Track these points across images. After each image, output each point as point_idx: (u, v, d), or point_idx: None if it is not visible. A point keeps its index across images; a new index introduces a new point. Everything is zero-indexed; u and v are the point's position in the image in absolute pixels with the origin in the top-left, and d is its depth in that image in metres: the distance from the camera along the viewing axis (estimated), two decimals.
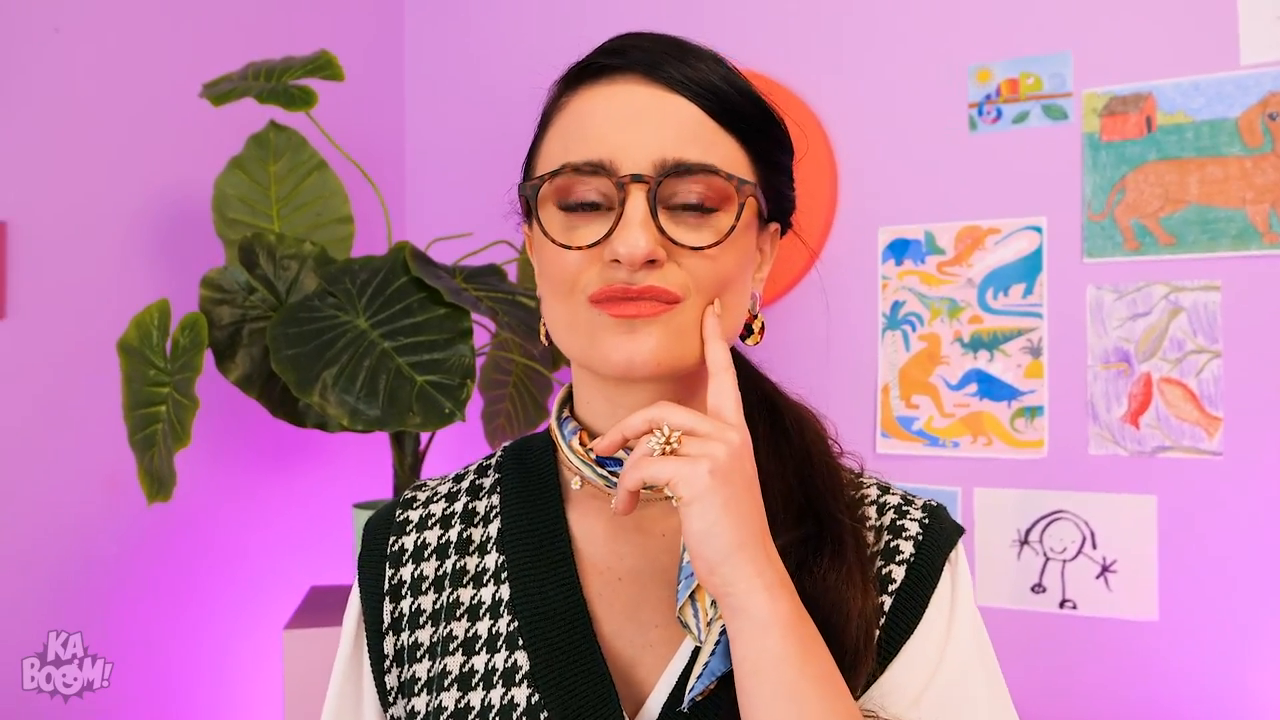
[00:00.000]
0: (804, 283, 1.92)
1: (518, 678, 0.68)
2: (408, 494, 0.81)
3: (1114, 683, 1.65)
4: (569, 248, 0.65)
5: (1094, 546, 1.69)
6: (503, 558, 0.73)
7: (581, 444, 0.73)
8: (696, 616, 0.65)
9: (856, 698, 0.65)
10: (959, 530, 0.74)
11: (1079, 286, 1.72)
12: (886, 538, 0.72)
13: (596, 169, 0.64)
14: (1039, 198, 1.75)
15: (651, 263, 0.64)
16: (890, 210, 1.87)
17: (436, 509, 0.78)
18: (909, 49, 1.86)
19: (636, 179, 0.63)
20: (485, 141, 2.12)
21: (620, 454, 0.71)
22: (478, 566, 0.74)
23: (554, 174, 0.66)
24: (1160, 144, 1.67)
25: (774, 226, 0.74)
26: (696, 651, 0.66)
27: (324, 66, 1.58)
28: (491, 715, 0.67)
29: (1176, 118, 1.66)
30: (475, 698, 0.68)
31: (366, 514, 1.57)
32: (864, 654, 0.65)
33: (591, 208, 0.66)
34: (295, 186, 1.72)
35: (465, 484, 0.80)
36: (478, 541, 0.75)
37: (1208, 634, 1.60)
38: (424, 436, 1.71)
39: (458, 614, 0.72)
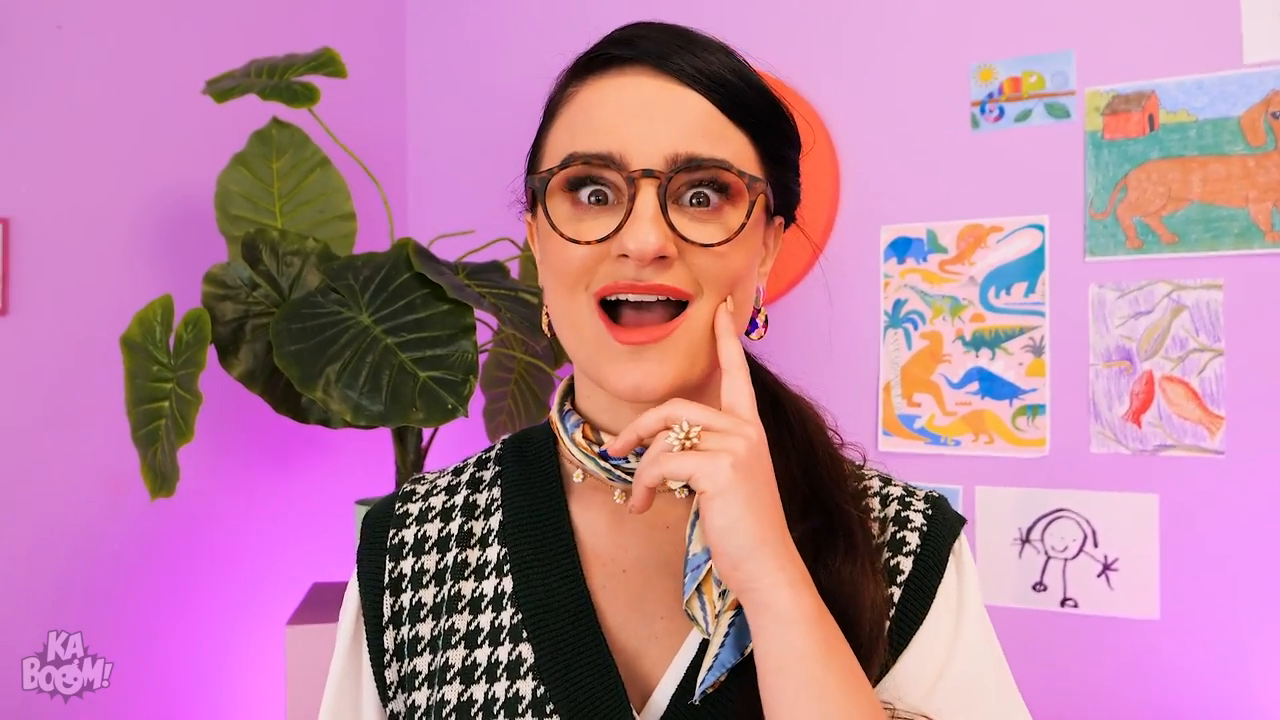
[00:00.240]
0: (806, 280, 1.92)
1: (522, 670, 0.68)
2: (406, 487, 0.80)
3: (1115, 681, 1.65)
4: (577, 242, 0.64)
5: (1095, 545, 1.69)
6: (505, 550, 0.73)
7: (585, 437, 0.72)
8: (704, 609, 0.64)
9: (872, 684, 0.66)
10: (961, 521, 0.75)
11: (1081, 285, 1.72)
12: (892, 529, 0.72)
13: (606, 162, 0.63)
14: (1041, 196, 1.75)
15: (661, 260, 0.63)
16: (892, 208, 1.87)
17: (436, 502, 0.77)
18: (911, 47, 1.86)
19: (648, 174, 0.62)
20: (488, 138, 2.12)
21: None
22: (479, 559, 0.73)
23: (563, 165, 0.64)
24: (1163, 142, 1.67)
25: (778, 221, 0.74)
26: (704, 644, 0.66)
27: (326, 63, 1.58)
28: (496, 708, 0.67)
29: (1179, 116, 1.66)
30: (479, 691, 0.68)
31: None
32: (877, 645, 0.66)
33: (599, 201, 0.65)
34: (298, 183, 1.73)
35: (465, 477, 0.79)
36: (479, 534, 0.74)
37: (1209, 633, 1.60)
38: (426, 433, 1.72)
39: (459, 607, 0.71)
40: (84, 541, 1.62)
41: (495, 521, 0.75)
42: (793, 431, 0.73)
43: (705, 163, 0.63)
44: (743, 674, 0.64)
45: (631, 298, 0.64)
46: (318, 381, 1.40)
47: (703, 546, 0.65)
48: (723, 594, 0.64)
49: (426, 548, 0.75)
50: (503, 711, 0.67)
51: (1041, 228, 1.75)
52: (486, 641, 0.70)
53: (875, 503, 0.74)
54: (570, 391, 0.76)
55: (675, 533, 0.72)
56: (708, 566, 0.64)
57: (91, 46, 1.65)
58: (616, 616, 0.70)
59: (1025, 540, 1.74)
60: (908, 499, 0.75)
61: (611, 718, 0.65)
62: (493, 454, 0.81)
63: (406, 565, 0.75)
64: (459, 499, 0.77)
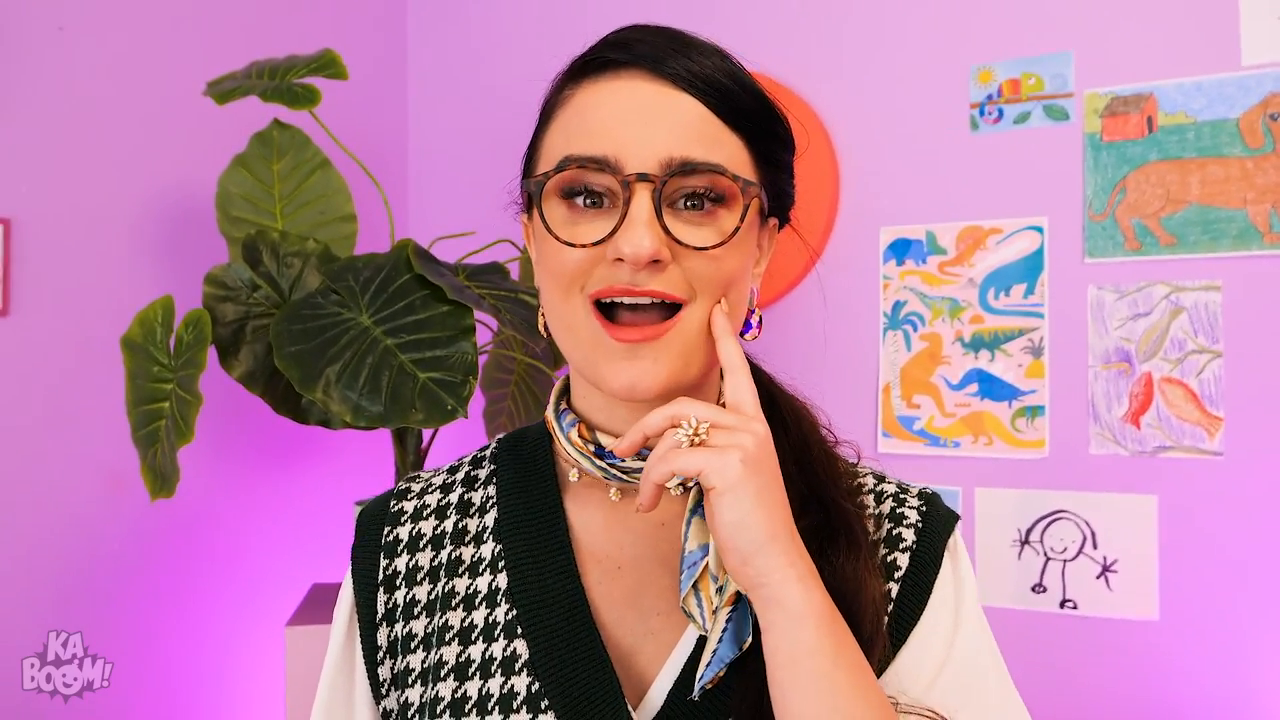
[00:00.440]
0: (805, 283, 1.92)
1: (517, 666, 0.68)
2: (401, 485, 0.80)
3: (1114, 683, 1.66)
4: (573, 245, 0.64)
5: (1095, 546, 1.69)
6: (499, 547, 0.73)
7: (581, 436, 0.72)
8: (700, 606, 0.64)
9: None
10: (955, 517, 0.75)
11: (1080, 286, 1.72)
12: (888, 525, 0.73)
13: (601, 165, 0.63)
14: (1040, 198, 1.76)
15: (655, 263, 0.63)
16: (892, 210, 1.87)
17: (431, 500, 0.77)
18: (911, 49, 1.86)
19: (642, 178, 0.62)
20: (488, 140, 2.12)
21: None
22: (474, 556, 0.73)
23: (558, 168, 0.65)
24: (1161, 144, 1.67)
25: (772, 222, 0.74)
26: (700, 640, 0.66)
27: (327, 65, 1.59)
28: (491, 704, 0.67)
29: (1177, 118, 1.66)
30: (473, 687, 0.68)
31: None
32: (877, 640, 0.66)
33: (595, 204, 0.65)
34: (299, 185, 1.73)
35: (460, 475, 0.79)
36: (473, 532, 0.75)
37: (1208, 634, 1.60)
38: (426, 434, 1.72)
39: (453, 604, 0.71)
40: (84, 542, 1.63)
41: (490, 519, 0.75)
42: (788, 430, 0.74)
43: (699, 166, 0.63)
44: (741, 669, 0.65)
45: (627, 300, 0.65)
46: (318, 382, 1.41)
47: (699, 543, 0.65)
48: (719, 590, 0.65)
49: (421, 545, 0.75)
50: (497, 707, 0.67)
51: (1040, 229, 1.76)
52: (481, 638, 0.70)
53: (870, 500, 0.74)
54: (566, 391, 0.77)
55: (671, 530, 0.73)
56: (704, 563, 0.65)
57: (93, 48, 1.66)
58: (612, 613, 0.70)
59: (1024, 542, 1.74)
60: (902, 495, 0.75)
61: (607, 713, 0.65)
62: (488, 453, 0.81)
63: (401, 562, 0.75)
64: (454, 497, 0.77)
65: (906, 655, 0.69)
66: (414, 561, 0.74)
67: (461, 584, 0.72)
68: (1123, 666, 1.66)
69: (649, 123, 0.64)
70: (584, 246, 0.64)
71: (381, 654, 0.74)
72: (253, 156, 1.71)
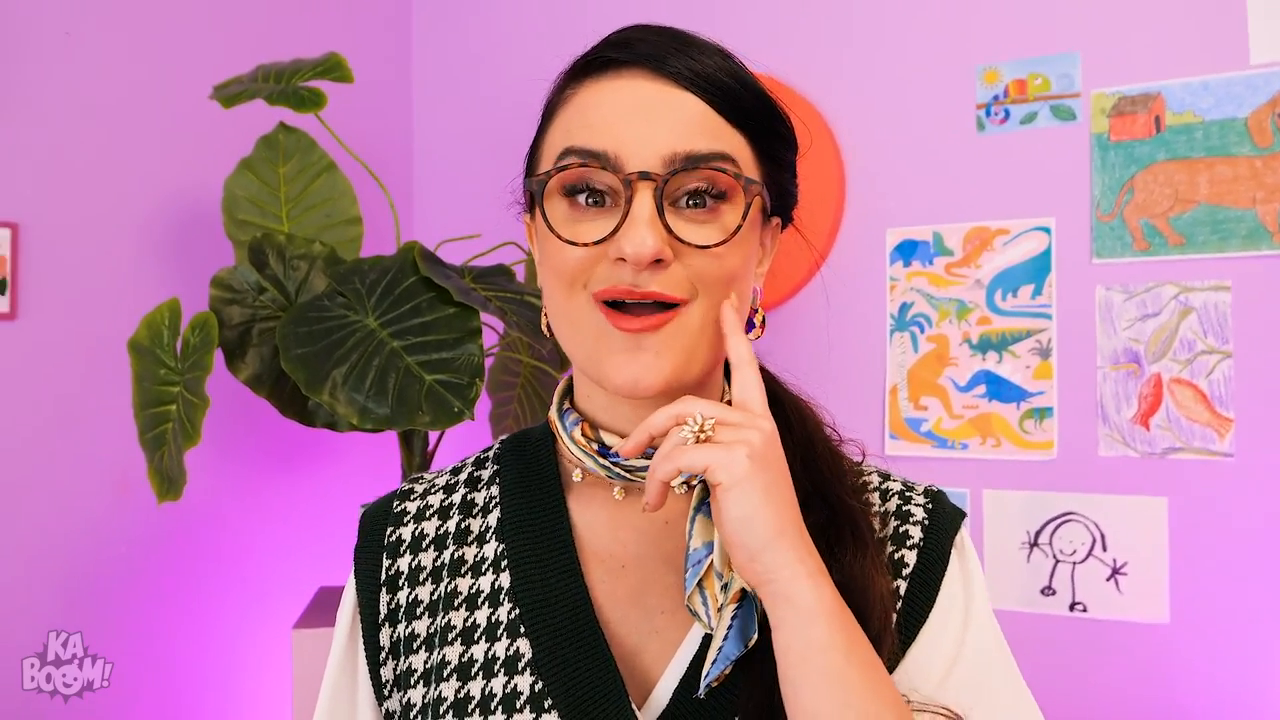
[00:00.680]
0: (811, 284, 1.92)
1: (520, 665, 0.68)
2: (404, 486, 0.80)
3: (1125, 686, 1.64)
4: (574, 244, 0.64)
5: (1104, 549, 1.68)
6: (502, 546, 0.73)
7: (584, 435, 0.72)
8: (705, 604, 0.64)
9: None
10: (961, 514, 0.75)
11: (1088, 287, 1.71)
12: (894, 523, 0.73)
13: (602, 161, 0.63)
14: (1047, 198, 1.75)
15: (657, 263, 0.63)
16: (898, 211, 1.87)
17: (434, 500, 0.77)
18: (916, 50, 1.86)
19: (644, 176, 0.62)
20: (493, 143, 2.12)
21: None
22: (476, 556, 0.73)
23: (559, 163, 0.65)
24: (1169, 144, 1.66)
25: (775, 222, 0.74)
26: (706, 638, 0.66)
27: (333, 68, 1.59)
28: (494, 704, 0.66)
29: (1185, 117, 1.65)
30: (475, 687, 0.67)
31: None
32: (886, 637, 0.66)
33: (596, 202, 0.65)
34: (304, 188, 1.73)
35: (463, 476, 0.79)
36: (476, 532, 0.74)
37: (1219, 637, 1.59)
38: (432, 436, 1.72)
39: (456, 604, 0.71)
40: (91, 544, 1.63)
41: (493, 519, 0.75)
42: (791, 428, 0.74)
43: (703, 159, 0.63)
44: (747, 666, 0.64)
45: (629, 300, 0.65)
46: (324, 385, 1.41)
47: (704, 541, 0.65)
48: (724, 587, 0.64)
49: (424, 545, 0.75)
50: (500, 707, 0.66)
51: (1048, 230, 1.75)
52: (483, 637, 0.69)
53: (875, 497, 0.74)
54: (569, 391, 0.77)
55: (674, 528, 0.72)
56: (709, 561, 0.64)
57: (99, 52, 1.66)
58: (616, 612, 0.70)
59: (1033, 544, 1.73)
60: (907, 493, 0.75)
61: (611, 712, 0.65)
62: (491, 453, 0.81)
63: (403, 563, 0.75)
64: (457, 497, 0.77)
65: (917, 652, 0.68)
66: (416, 562, 0.74)
67: (464, 584, 0.72)
68: (1133, 670, 1.64)
69: (650, 120, 0.64)
70: (585, 245, 0.64)
71: (384, 655, 0.73)
72: (259, 160, 1.71)
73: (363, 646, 0.75)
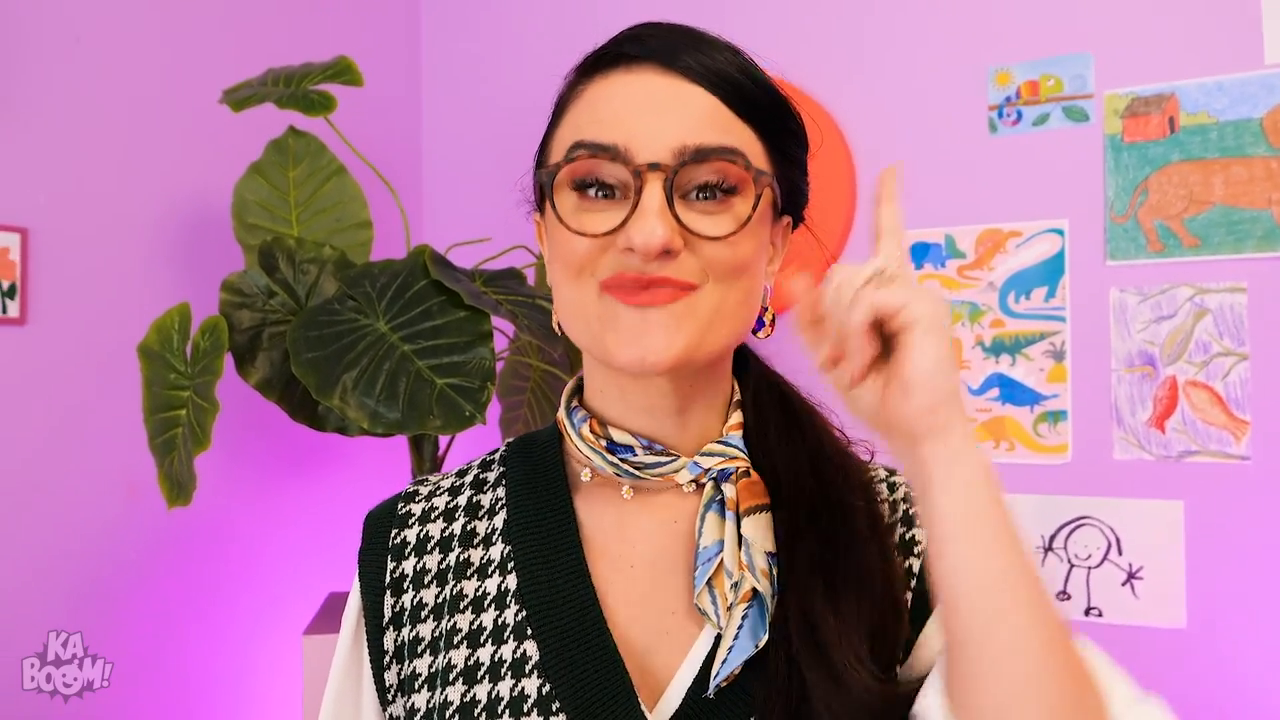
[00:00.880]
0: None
1: (527, 668, 0.67)
2: (410, 488, 0.79)
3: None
4: (583, 234, 0.64)
5: (1119, 553, 1.66)
6: (509, 548, 0.72)
7: (592, 432, 0.72)
8: (715, 603, 0.64)
9: (900, 663, 0.67)
10: None
11: (1102, 289, 1.70)
12: (904, 507, 0.73)
13: (612, 153, 0.63)
14: (1060, 200, 1.74)
15: (666, 254, 0.63)
16: (910, 213, 1.84)
17: (439, 502, 0.77)
18: (928, 51, 1.85)
19: (654, 167, 0.62)
20: (503, 146, 2.11)
21: (632, 440, 0.70)
22: (483, 558, 0.72)
23: (569, 158, 0.65)
24: (1183, 145, 1.65)
25: (786, 220, 0.74)
26: (718, 638, 0.65)
27: (343, 72, 1.59)
28: (500, 708, 0.65)
29: (1199, 118, 1.64)
30: (482, 690, 0.67)
31: None
32: (902, 619, 0.66)
33: (606, 193, 0.65)
34: (314, 191, 1.73)
35: (469, 478, 0.79)
36: (482, 534, 0.74)
37: (1238, 642, 1.57)
38: (443, 441, 1.71)
39: (461, 606, 0.70)
40: (101, 549, 1.62)
41: (499, 521, 0.74)
42: (802, 427, 0.74)
43: (713, 152, 0.63)
44: (759, 666, 0.64)
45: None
46: (334, 389, 1.40)
47: (714, 539, 0.65)
48: (734, 586, 0.64)
49: (429, 548, 0.74)
50: (507, 711, 0.65)
51: (1061, 232, 1.74)
52: (490, 640, 0.68)
53: (883, 488, 0.75)
54: (578, 390, 0.77)
55: (683, 527, 0.72)
56: (718, 559, 0.64)
57: (109, 57, 1.66)
58: (625, 612, 0.69)
59: (1048, 548, 1.71)
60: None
61: (619, 714, 0.64)
62: (497, 456, 0.80)
63: (408, 565, 0.74)
64: (463, 499, 0.76)
65: (936, 624, 0.68)
66: (421, 564, 0.73)
67: (470, 586, 0.71)
68: (1149, 676, 1.61)
69: (660, 112, 0.64)
70: (595, 236, 0.64)
71: (388, 659, 0.73)
72: (268, 164, 1.71)
73: (367, 650, 0.74)
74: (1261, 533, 1.57)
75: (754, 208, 0.65)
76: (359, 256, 1.72)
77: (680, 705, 0.65)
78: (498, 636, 0.68)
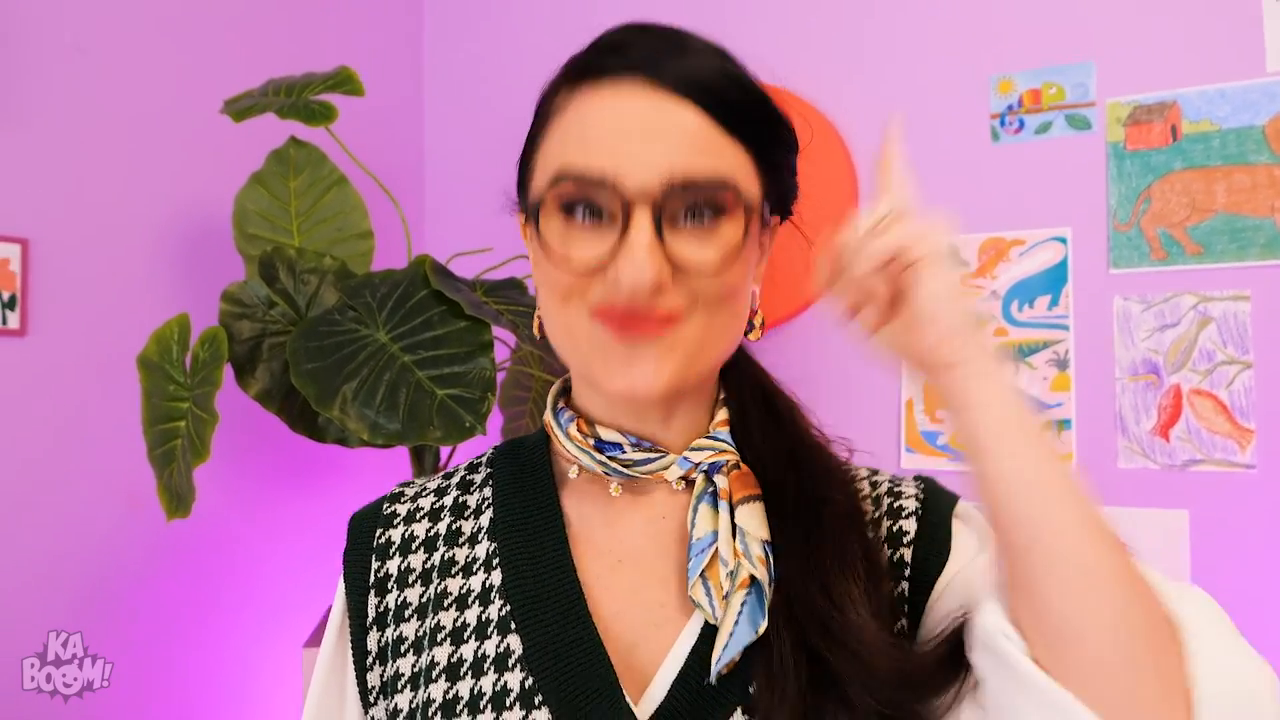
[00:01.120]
0: (825, 298, 1.90)
1: (510, 662, 0.66)
2: (396, 489, 0.79)
3: None
4: (569, 264, 0.63)
5: None
6: (494, 545, 0.72)
7: (580, 431, 0.71)
8: (709, 594, 0.64)
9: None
10: (955, 496, 0.75)
11: (1105, 297, 1.70)
12: (888, 500, 0.73)
13: (600, 182, 0.62)
14: (1063, 208, 1.73)
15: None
16: None
17: (425, 503, 0.76)
18: (930, 60, 1.85)
19: (642, 197, 0.61)
20: (504, 156, 2.11)
21: (621, 439, 0.70)
22: (467, 557, 0.72)
23: (554, 183, 0.64)
24: (1186, 152, 1.65)
25: (774, 219, 0.73)
26: (706, 629, 0.66)
27: (344, 82, 1.58)
28: (483, 703, 0.65)
29: (1202, 126, 1.64)
30: (464, 687, 0.66)
31: None
32: (889, 607, 0.66)
33: (594, 215, 0.63)
34: (315, 202, 1.72)
35: (455, 479, 0.79)
36: (468, 533, 0.73)
37: None
38: (444, 452, 1.70)
39: (445, 604, 0.70)
40: (102, 558, 1.62)
41: (485, 520, 0.74)
42: (782, 423, 0.74)
43: (703, 185, 0.62)
44: (757, 653, 0.64)
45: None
46: (334, 400, 1.39)
47: (707, 530, 0.65)
48: (731, 574, 0.64)
49: (414, 548, 0.74)
50: (490, 705, 0.65)
51: (1064, 240, 1.73)
52: (473, 636, 0.68)
53: (865, 485, 0.74)
54: (564, 391, 0.77)
55: (672, 523, 0.72)
56: (712, 550, 0.65)
57: (110, 67, 1.66)
58: (613, 606, 0.69)
59: None
60: (896, 481, 0.76)
61: (603, 705, 0.64)
62: (484, 458, 0.80)
63: (393, 565, 0.73)
64: (448, 500, 0.76)
65: (944, 600, 0.67)
66: (406, 564, 0.73)
67: (454, 584, 0.71)
68: None
69: (648, 138, 0.62)
70: (582, 270, 0.63)
71: (371, 659, 0.72)
72: (269, 174, 1.71)
73: (350, 652, 0.73)
74: (1267, 541, 1.56)
75: (744, 234, 0.64)
76: (360, 266, 1.71)
77: (666, 696, 0.65)
78: (481, 632, 0.68)
